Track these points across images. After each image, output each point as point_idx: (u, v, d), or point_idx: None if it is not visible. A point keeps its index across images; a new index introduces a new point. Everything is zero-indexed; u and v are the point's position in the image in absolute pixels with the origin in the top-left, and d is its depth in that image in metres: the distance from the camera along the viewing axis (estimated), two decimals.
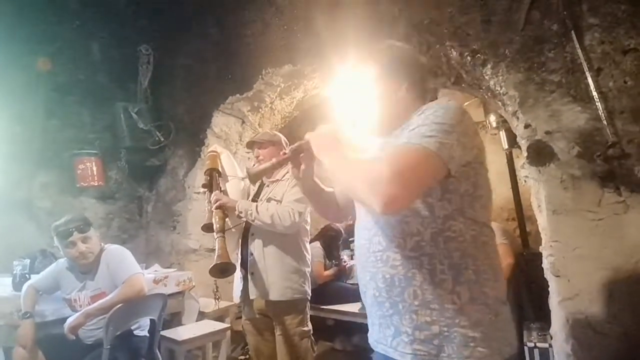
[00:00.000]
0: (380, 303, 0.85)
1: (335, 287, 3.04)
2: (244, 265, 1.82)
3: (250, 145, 1.95)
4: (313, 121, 1.11)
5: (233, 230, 1.78)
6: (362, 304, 2.66)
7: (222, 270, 1.58)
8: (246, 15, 2.85)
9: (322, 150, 0.90)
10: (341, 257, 3.39)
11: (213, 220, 1.66)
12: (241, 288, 1.82)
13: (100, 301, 1.79)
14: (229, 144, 3.22)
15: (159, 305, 1.96)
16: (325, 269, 3.13)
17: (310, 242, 3.18)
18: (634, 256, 1.49)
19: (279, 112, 3.22)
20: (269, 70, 2.73)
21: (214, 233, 1.63)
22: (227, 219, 1.71)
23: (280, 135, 1.99)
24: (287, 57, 2.62)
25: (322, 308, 2.88)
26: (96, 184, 3.15)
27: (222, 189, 1.82)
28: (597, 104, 1.55)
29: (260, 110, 3.11)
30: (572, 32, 1.60)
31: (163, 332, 2.15)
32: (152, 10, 3.33)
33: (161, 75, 3.36)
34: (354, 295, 2.83)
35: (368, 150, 1.00)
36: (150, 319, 1.99)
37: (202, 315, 2.71)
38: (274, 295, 1.75)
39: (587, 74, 1.57)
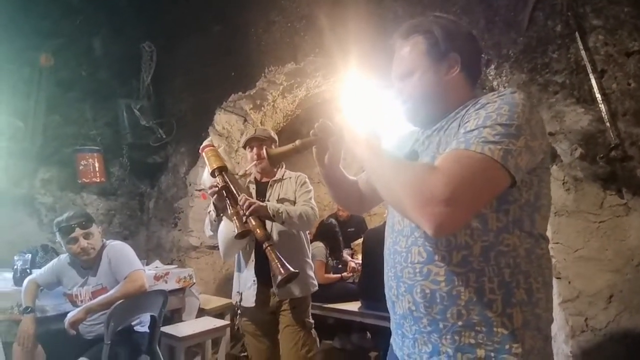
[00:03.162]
0: (417, 318, 0.75)
1: (336, 285, 3.04)
2: (261, 269, 1.73)
3: (250, 141, 1.88)
4: (315, 120, 1.07)
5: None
6: (363, 304, 2.68)
7: (289, 280, 1.41)
8: (250, 13, 2.84)
9: (357, 142, 0.78)
10: (343, 257, 3.36)
11: (252, 228, 1.46)
12: (255, 292, 1.73)
13: (102, 297, 1.80)
14: (231, 141, 3.22)
15: (160, 301, 1.96)
16: (327, 269, 3.12)
17: (311, 242, 3.20)
18: (635, 258, 1.48)
19: (281, 110, 3.22)
20: (271, 69, 2.73)
21: (262, 243, 1.45)
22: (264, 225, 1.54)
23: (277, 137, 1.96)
24: (290, 55, 2.61)
25: (323, 307, 2.88)
26: (98, 181, 3.16)
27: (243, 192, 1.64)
28: (600, 105, 1.54)
29: (262, 108, 3.11)
30: (576, 33, 1.59)
31: (163, 329, 2.15)
32: (155, 6, 3.33)
33: (164, 72, 3.36)
34: (353, 294, 2.84)
35: (407, 146, 0.88)
36: (151, 315, 1.99)
37: (202, 312, 2.72)
38: (297, 293, 1.74)
39: (591, 76, 1.56)
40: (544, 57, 1.68)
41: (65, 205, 3.01)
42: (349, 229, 3.81)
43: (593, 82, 1.56)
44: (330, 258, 3.18)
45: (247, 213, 1.49)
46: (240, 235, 1.47)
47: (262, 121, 3.22)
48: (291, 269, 1.38)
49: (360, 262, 2.99)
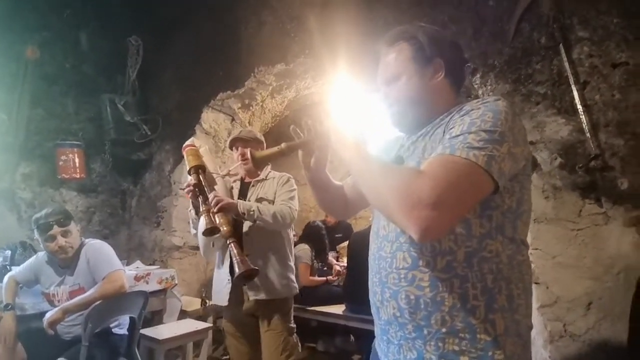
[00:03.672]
0: (402, 324, 0.75)
1: (320, 288, 3.03)
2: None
3: (234, 142, 1.89)
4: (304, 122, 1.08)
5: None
6: (347, 307, 2.69)
7: (248, 276, 1.45)
8: (241, 12, 2.83)
9: (343, 146, 0.78)
10: (329, 260, 3.36)
11: (219, 224, 1.49)
12: (229, 291, 1.75)
13: (79, 297, 1.76)
14: (218, 140, 3.19)
15: (140, 303, 1.92)
16: (312, 271, 3.11)
17: (296, 244, 3.19)
18: (615, 267, 1.51)
19: (269, 110, 3.21)
20: (261, 69, 2.71)
21: (225, 239, 1.49)
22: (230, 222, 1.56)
23: (263, 138, 1.96)
24: (280, 56, 2.61)
25: (307, 309, 2.87)
26: (78, 177, 3.08)
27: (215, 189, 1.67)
28: (581, 116, 1.59)
29: (250, 108, 3.09)
30: (561, 45, 1.63)
31: (143, 331, 2.10)
32: (145, 1, 3.28)
33: (150, 68, 3.30)
34: (338, 297, 2.84)
35: (393, 151, 0.89)
36: (130, 317, 1.95)
37: (184, 314, 2.67)
38: (273, 294, 1.73)
39: (573, 87, 1.60)
40: (527, 68, 1.73)
41: (44, 201, 2.93)
42: (336, 235, 3.81)
43: (575, 93, 1.59)
44: (315, 260, 3.17)
45: (214, 210, 1.51)
46: (208, 232, 1.48)
47: (251, 121, 3.20)
48: (251, 265, 1.41)
49: (346, 265, 3.00)
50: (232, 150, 1.93)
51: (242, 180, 1.92)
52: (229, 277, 1.74)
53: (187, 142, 1.70)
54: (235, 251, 1.44)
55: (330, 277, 3.14)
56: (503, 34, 1.79)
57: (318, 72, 2.64)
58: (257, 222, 1.66)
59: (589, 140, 1.57)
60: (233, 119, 3.17)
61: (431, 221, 0.61)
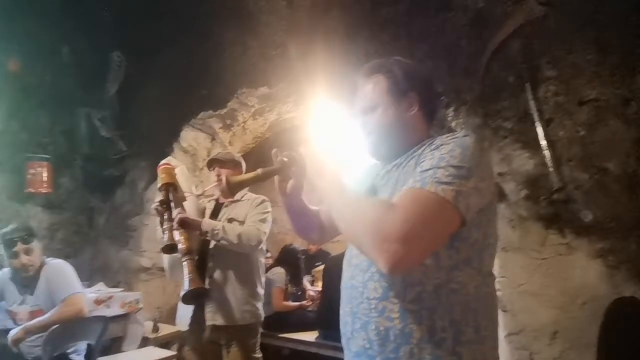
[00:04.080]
0: (371, 357, 0.75)
1: (294, 314, 2.96)
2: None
3: (211, 163, 1.90)
4: (285, 144, 1.09)
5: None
6: (320, 334, 2.62)
7: (196, 296, 1.45)
8: (227, 34, 2.88)
9: (318, 175, 0.81)
10: (303, 283, 3.29)
11: (177, 241, 1.50)
12: (191, 314, 1.70)
13: (39, 318, 1.72)
14: (196, 159, 3.15)
15: (99, 329, 1.84)
16: (286, 296, 3.04)
17: (272, 267, 3.12)
18: (580, 297, 1.55)
19: (251, 131, 3.22)
20: (244, 91, 2.75)
21: (180, 256, 1.48)
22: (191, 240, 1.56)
23: (242, 160, 1.96)
24: (264, 79, 2.66)
25: (278, 336, 2.78)
26: (44, 191, 2.97)
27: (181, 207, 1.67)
28: (544, 152, 1.69)
29: (232, 128, 3.10)
30: (527, 84, 1.73)
31: (100, 359, 1.98)
32: (131, 19, 3.29)
33: (132, 84, 3.27)
34: (311, 323, 2.77)
35: (368, 180, 0.91)
36: (88, 344, 1.85)
37: (146, 341, 2.52)
38: (233, 320, 1.67)
39: (537, 124, 1.71)
40: (496, 104, 1.84)
41: (10, 215, 2.80)
42: (316, 263, 3.76)
43: (538, 130, 1.70)
44: (290, 285, 3.11)
45: (175, 226, 1.50)
46: (166, 249, 1.47)
47: (231, 141, 3.20)
48: (201, 284, 1.42)
49: (320, 289, 2.95)
50: (210, 170, 1.93)
51: (217, 200, 1.90)
52: None
53: (163, 161, 1.70)
54: (187, 269, 1.42)
55: (304, 303, 3.07)
56: (475, 71, 1.91)
57: (300, 97, 2.70)
58: (221, 241, 1.63)
59: (551, 174, 1.66)
60: (213, 139, 3.16)
61: (400, 255, 0.62)
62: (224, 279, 1.69)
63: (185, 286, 1.42)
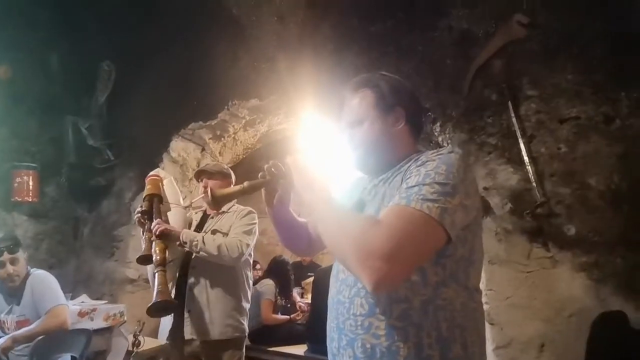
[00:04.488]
0: None
1: (283, 327, 2.92)
2: (179, 302, 1.68)
3: (199, 174, 1.89)
4: (275, 156, 1.09)
5: (170, 263, 1.63)
6: (309, 347, 2.59)
7: (162, 309, 1.44)
8: (219, 46, 2.91)
9: (305, 187, 0.80)
10: (293, 296, 3.26)
11: (152, 252, 1.49)
12: (170, 327, 1.67)
13: (25, 328, 1.74)
14: (186, 169, 3.13)
15: (82, 341, 1.81)
16: (275, 308, 3.00)
17: (261, 279, 3.10)
18: (566, 310, 1.57)
19: (241, 143, 3.23)
20: (235, 102, 2.76)
21: (153, 266, 1.48)
22: (167, 251, 1.55)
23: (231, 171, 1.96)
24: (255, 91, 2.68)
25: (267, 350, 2.75)
26: (30, 200, 2.92)
27: (163, 217, 1.66)
28: (527, 167, 1.74)
29: (222, 139, 3.10)
30: (509, 102, 1.79)
31: None
32: (121, 28, 3.30)
33: (121, 93, 3.25)
34: (300, 336, 2.75)
35: (356, 193, 0.91)
36: (72, 357, 1.82)
37: (129, 355, 2.45)
38: (213, 335, 1.64)
39: (520, 140, 1.76)
40: (480, 120, 1.89)
41: None
42: (308, 273, 3.73)
43: (521, 146, 1.75)
44: (279, 297, 3.08)
45: (153, 236, 1.50)
46: (141, 259, 1.49)
47: (221, 152, 3.20)
48: (168, 297, 1.41)
49: (310, 302, 2.93)
50: (198, 182, 1.92)
51: (204, 212, 1.90)
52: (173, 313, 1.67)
53: (152, 172, 1.70)
54: (158, 280, 1.41)
55: (293, 316, 3.04)
56: (460, 88, 1.97)
57: (291, 110, 2.73)
58: (200, 253, 1.62)
59: (534, 189, 1.71)
60: (203, 149, 3.15)
61: (384, 272, 0.62)
62: (204, 292, 1.67)
63: (153, 298, 1.41)
